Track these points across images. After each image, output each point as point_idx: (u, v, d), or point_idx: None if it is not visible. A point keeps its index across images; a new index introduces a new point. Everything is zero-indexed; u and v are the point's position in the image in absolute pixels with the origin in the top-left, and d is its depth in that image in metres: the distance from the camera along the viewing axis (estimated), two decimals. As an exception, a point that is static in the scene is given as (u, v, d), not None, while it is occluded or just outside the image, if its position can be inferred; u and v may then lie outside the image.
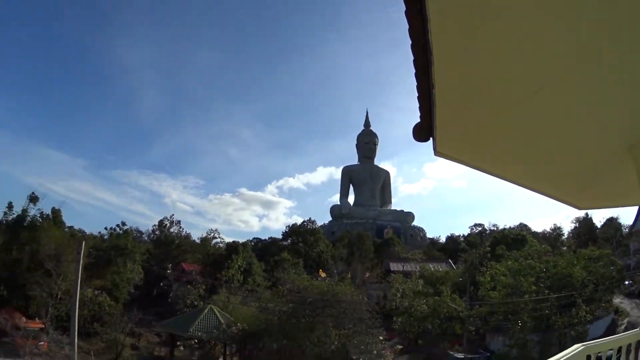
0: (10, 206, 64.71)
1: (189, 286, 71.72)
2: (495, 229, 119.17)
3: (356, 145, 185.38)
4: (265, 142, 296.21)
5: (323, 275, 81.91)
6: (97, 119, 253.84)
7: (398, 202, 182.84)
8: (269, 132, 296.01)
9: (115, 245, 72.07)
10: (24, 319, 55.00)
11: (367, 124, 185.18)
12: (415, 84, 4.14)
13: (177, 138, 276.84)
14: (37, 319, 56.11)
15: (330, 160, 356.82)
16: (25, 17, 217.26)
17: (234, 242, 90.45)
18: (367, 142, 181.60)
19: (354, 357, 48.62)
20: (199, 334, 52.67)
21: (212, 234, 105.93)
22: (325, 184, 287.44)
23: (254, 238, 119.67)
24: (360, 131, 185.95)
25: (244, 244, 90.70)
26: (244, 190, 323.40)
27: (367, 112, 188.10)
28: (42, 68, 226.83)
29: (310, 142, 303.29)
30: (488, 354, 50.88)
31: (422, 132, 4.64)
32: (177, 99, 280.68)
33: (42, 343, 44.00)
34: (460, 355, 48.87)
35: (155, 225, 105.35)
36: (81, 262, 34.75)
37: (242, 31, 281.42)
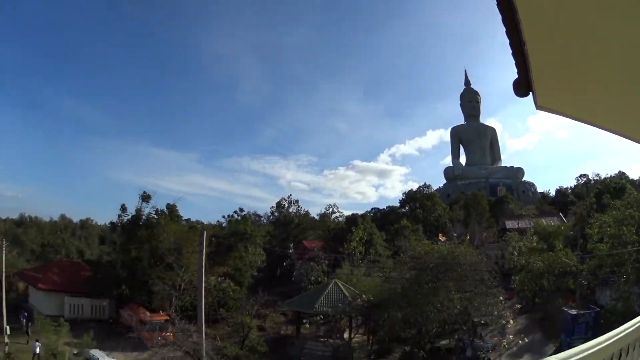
0: (123, 208, 66.49)
1: (312, 263, 71.85)
2: (598, 178, 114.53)
3: (460, 105, 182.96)
4: (372, 112, 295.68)
5: (442, 239, 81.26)
6: (202, 111, 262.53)
7: (506, 159, 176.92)
8: (374, 102, 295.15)
9: (235, 232, 73.49)
10: (147, 313, 57.12)
11: (467, 82, 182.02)
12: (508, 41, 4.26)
13: (285, 119, 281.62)
14: (161, 311, 57.67)
15: (438, 123, 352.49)
16: (116, 24, 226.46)
17: (353, 214, 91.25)
18: (469, 101, 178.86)
19: (476, 320, 48.09)
20: (325, 309, 52.56)
21: (331, 209, 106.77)
22: (436, 147, 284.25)
23: (373, 208, 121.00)
24: (461, 91, 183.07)
25: (363, 216, 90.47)
26: (357, 162, 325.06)
27: (465, 71, 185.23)
28: (142, 71, 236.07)
29: (416, 107, 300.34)
30: (598, 309, 48.15)
31: (520, 87, 4.82)
32: (279, 81, 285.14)
33: (167, 334, 45.35)
34: (574, 312, 46.52)
35: (273, 207, 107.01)
36: (204, 251, 35.00)
37: (334, 4, 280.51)
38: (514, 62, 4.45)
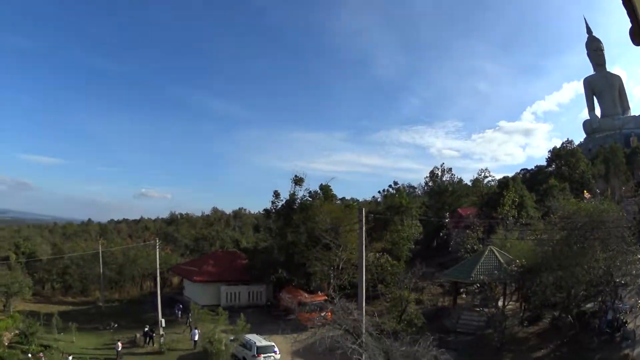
0: (277, 194, 67.12)
1: (467, 231, 69.62)
2: None
3: (587, 54, 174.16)
4: (508, 69, 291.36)
5: (587, 196, 78.01)
6: (344, 90, 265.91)
7: (634, 108, 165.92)
8: (508, 58, 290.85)
9: (390, 206, 73.50)
10: (306, 295, 57.72)
11: (588, 30, 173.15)
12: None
13: (426, 86, 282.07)
14: (319, 292, 58.67)
15: (572, 74, 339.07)
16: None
17: (504, 177, 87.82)
18: (594, 50, 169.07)
19: (617, 280, 44.98)
20: (481, 277, 50.65)
21: (483, 174, 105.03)
22: (573, 100, 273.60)
23: (522, 169, 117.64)
24: (585, 40, 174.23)
25: (514, 178, 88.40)
26: (502, 122, 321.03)
27: (585, 19, 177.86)
28: (281, 61, 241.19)
29: (548, 59, 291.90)
30: None
31: (636, 36, 4.79)
32: (414, 49, 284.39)
33: (326, 313, 44.10)
34: None
35: (426, 177, 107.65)
36: (364, 228, 34.28)
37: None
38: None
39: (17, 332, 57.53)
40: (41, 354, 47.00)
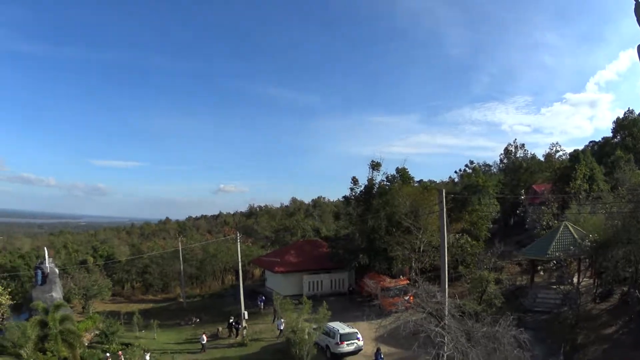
0: (355, 180, 66.44)
1: (542, 207, 68.30)
2: None
3: (637, 21, 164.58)
4: (568, 38, 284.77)
5: None
6: (413, 73, 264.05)
7: None
8: (567, 27, 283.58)
9: (467, 185, 73.09)
10: (388, 280, 57.25)
11: None
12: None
13: (493, 62, 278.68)
14: (401, 277, 58.53)
15: (627, 42, 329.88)
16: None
17: (574, 151, 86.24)
18: None
19: None
20: (557, 254, 49.83)
21: (554, 148, 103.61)
22: (630, 69, 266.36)
23: (590, 142, 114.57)
24: (633, 5, 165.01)
25: (583, 151, 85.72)
26: (569, 94, 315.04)
27: None
28: (351, 47, 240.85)
29: (604, 26, 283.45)
30: None
31: None
32: (480, 26, 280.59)
33: (407, 298, 43.60)
34: None
35: (501, 154, 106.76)
36: (444, 209, 33.72)
37: None
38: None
39: (97, 332, 59.22)
40: (120, 353, 48.30)
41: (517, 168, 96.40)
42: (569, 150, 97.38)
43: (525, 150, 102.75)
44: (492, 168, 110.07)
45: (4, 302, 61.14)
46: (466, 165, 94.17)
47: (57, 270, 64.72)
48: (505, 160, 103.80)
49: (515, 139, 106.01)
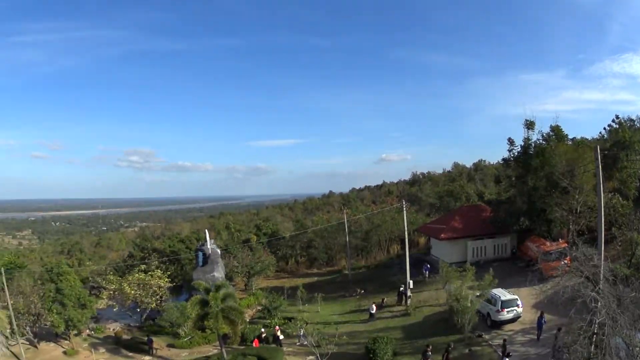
0: (511, 141, 65.26)
1: None
2: None
3: None
4: None
5: None
6: (551, 25, 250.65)
7: None
8: None
9: (615, 142, 68.60)
10: (548, 243, 55.88)
11: None
12: None
13: (623, 11, 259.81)
14: (560, 239, 56.72)
15: None
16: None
17: None
18: None
19: None
20: None
21: None
22: None
23: None
24: None
25: None
26: None
27: None
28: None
29: None
30: None
31: None
32: None
33: (565, 261, 43.12)
34: None
35: None
36: (600, 167, 32.78)
37: None
38: None
39: (259, 308, 62.87)
40: (277, 327, 50.98)
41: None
42: None
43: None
44: (636, 123, 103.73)
45: (162, 284, 65.52)
46: (613, 120, 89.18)
47: (219, 251, 68.90)
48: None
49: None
